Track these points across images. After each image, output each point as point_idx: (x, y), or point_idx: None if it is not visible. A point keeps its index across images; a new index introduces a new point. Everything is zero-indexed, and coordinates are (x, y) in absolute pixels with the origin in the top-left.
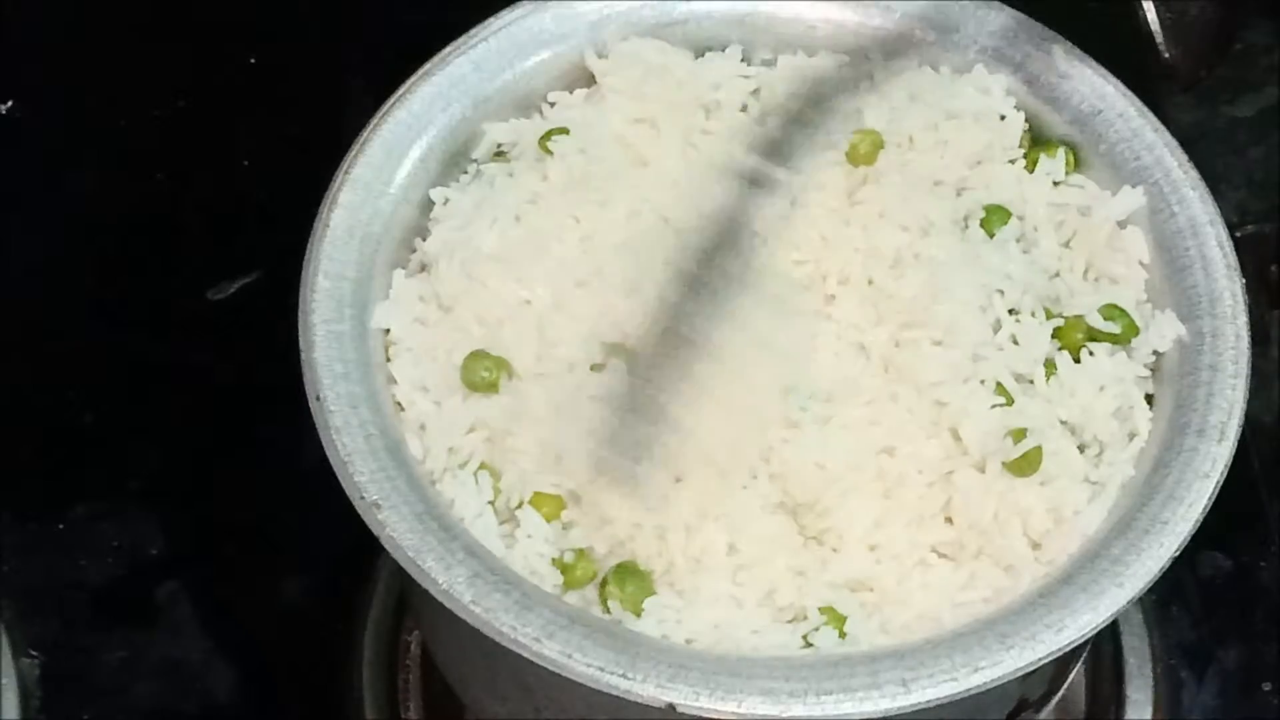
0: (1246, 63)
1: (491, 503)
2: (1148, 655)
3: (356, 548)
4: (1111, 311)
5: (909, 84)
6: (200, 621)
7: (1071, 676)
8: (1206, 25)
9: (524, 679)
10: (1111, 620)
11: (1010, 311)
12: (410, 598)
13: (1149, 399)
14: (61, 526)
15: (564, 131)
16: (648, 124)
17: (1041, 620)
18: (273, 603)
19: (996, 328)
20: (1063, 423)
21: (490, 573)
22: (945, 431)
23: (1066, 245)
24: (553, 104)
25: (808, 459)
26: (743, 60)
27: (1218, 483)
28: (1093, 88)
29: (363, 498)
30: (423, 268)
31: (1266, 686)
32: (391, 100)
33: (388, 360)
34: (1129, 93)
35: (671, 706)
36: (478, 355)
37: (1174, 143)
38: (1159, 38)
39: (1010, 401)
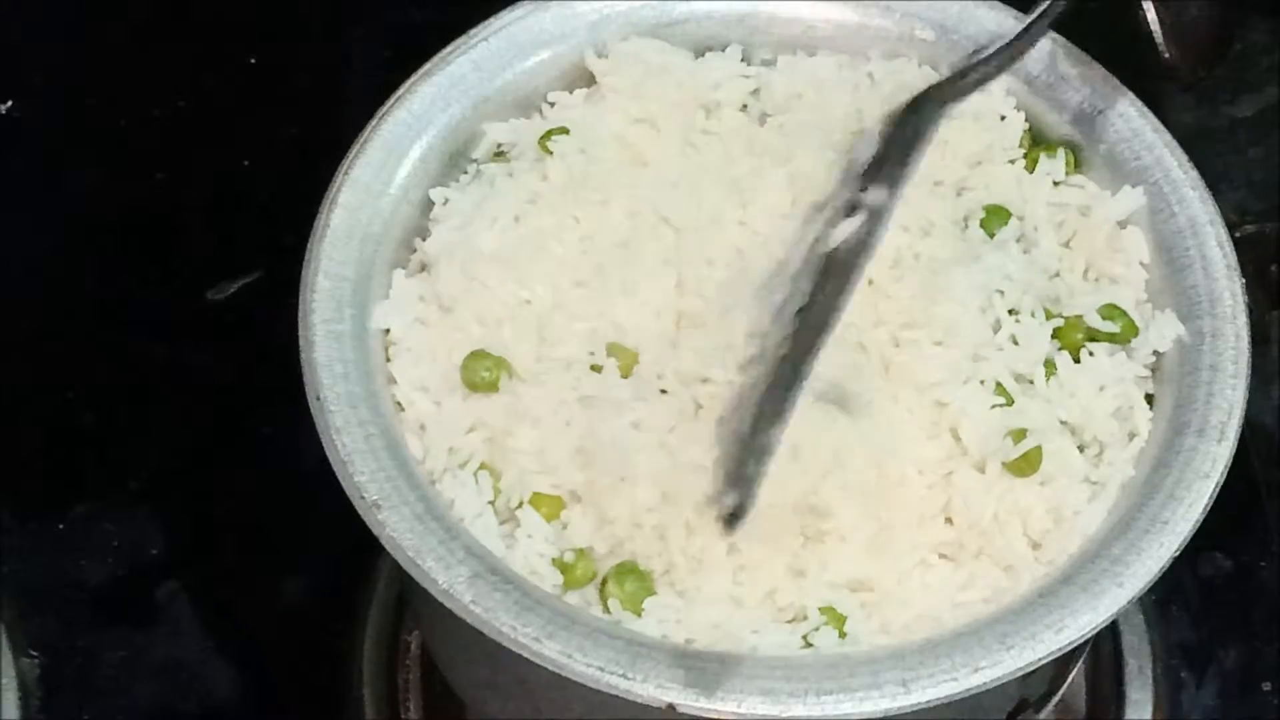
0: (1246, 63)
1: (491, 503)
2: (1148, 655)
3: (356, 548)
4: (1111, 311)
5: (909, 84)
6: (200, 621)
7: (1071, 676)
8: (1206, 25)
9: (524, 679)
10: (1111, 620)
11: (1010, 312)
12: (410, 598)
13: (1149, 399)
14: (61, 526)
15: (564, 131)
16: (648, 124)
17: (1041, 620)
18: (273, 603)
19: (996, 328)
20: (1063, 423)
21: (490, 573)
22: (945, 432)
23: (1066, 245)
24: (553, 104)
25: (808, 459)
26: (743, 60)
27: (1218, 483)
28: (1093, 88)
29: (363, 498)
30: (423, 268)
31: (1266, 686)
32: (391, 100)
33: (388, 360)
34: (1129, 93)
35: (671, 706)
36: (478, 355)
37: (1174, 143)
38: (1159, 38)
39: (1010, 402)
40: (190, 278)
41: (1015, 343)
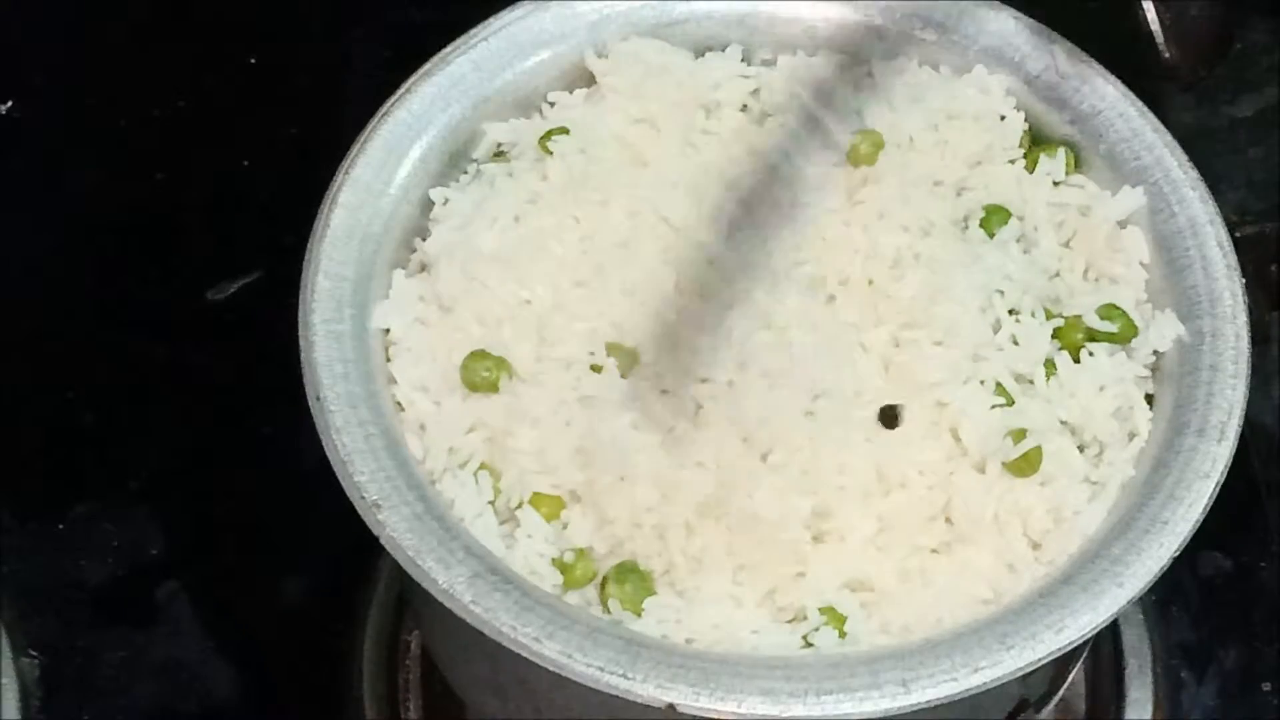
0: (1246, 63)
1: (491, 503)
2: (1148, 655)
3: (356, 548)
4: (1109, 311)
5: (909, 84)
6: (200, 621)
7: (1071, 676)
8: (1206, 25)
9: (524, 679)
10: (1111, 620)
11: (1010, 312)
12: (410, 598)
13: (1149, 399)
14: (61, 526)
15: (564, 131)
16: (648, 124)
17: (1041, 620)
18: (273, 603)
19: (996, 328)
20: (1063, 423)
21: (490, 573)
22: (945, 432)
23: (1066, 245)
24: (553, 104)
25: (808, 460)
26: (743, 60)
27: (1218, 483)
28: (1093, 88)
29: (363, 498)
30: (423, 268)
31: (1266, 686)
32: (391, 100)
33: (388, 360)
34: (1129, 93)
35: (671, 706)
36: (478, 355)
37: (1174, 143)
38: (1159, 38)
39: (1010, 402)
40: (190, 278)
41: (1015, 343)
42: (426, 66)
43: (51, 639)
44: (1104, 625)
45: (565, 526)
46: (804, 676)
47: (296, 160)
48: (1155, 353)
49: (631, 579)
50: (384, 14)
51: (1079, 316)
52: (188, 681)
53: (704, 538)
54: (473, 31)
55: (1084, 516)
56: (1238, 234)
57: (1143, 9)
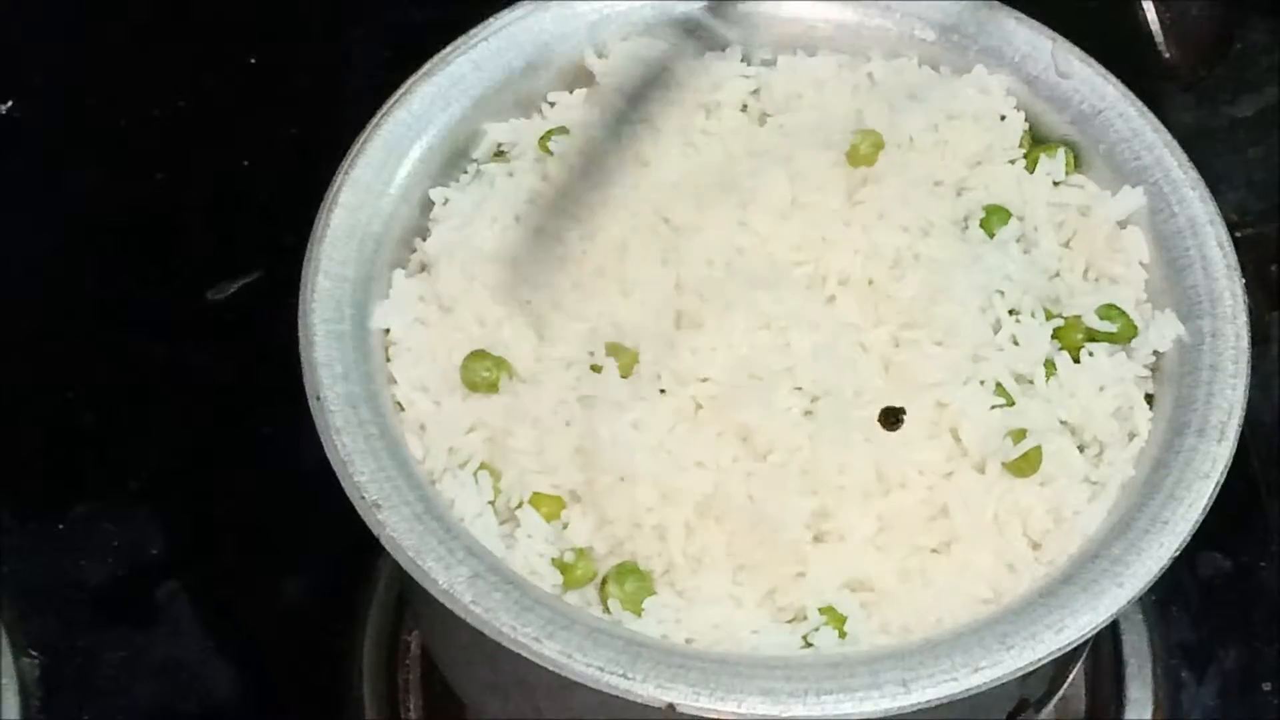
0: (1246, 63)
1: (491, 503)
2: (1148, 655)
3: (356, 548)
4: (1109, 311)
5: (909, 84)
6: (200, 621)
7: (1071, 676)
8: (1206, 25)
9: (524, 679)
10: (1111, 620)
11: (1010, 312)
12: (410, 598)
13: (1149, 399)
14: (61, 526)
15: (564, 131)
16: (648, 124)
17: (1041, 620)
18: (273, 603)
19: (996, 328)
20: (1063, 423)
21: (490, 573)
22: (945, 432)
23: (1066, 245)
24: (553, 104)
25: (808, 460)
26: (743, 60)
27: (1218, 483)
28: (1093, 88)
29: (363, 498)
30: (423, 268)
31: (1266, 686)
32: (391, 100)
33: (388, 360)
34: (1129, 93)
35: (671, 706)
36: (478, 355)
37: (1174, 143)
38: (1159, 38)
39: (1010, 402)
40: (190, 278)
41: (1015, 343)
42: (426, 66)
43: (51, 639)
44: (1104, 625)
45: (565, 526)
46: (804, 676)
47: (296, 160)
48: (1155, 353)
49: (631, 579)
50: (384, 14)
51: (1079, 316)
52: (188, 681)
53: (704, 538)
54: (473, 31)
55: (1084, 516)
56: (1238, 234)
57: (1143, 9)
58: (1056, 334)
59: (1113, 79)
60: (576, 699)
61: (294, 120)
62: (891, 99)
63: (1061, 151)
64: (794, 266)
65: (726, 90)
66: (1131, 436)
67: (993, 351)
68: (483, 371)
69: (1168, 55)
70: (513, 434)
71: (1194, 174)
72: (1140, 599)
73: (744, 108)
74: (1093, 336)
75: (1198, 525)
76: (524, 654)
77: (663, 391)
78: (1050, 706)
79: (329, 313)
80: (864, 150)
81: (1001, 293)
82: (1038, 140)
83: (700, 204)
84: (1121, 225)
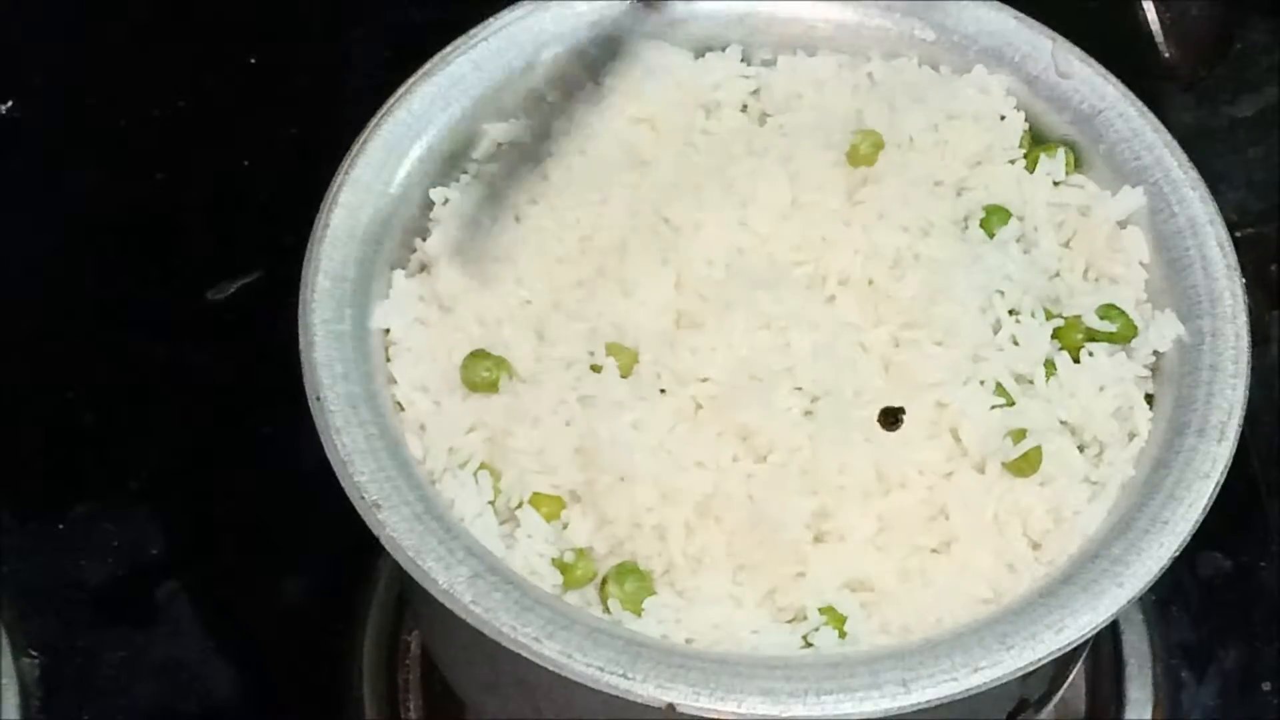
0: (1246, 63)
1: (491, 503)
2: (1148, 655)
3: (356, 548)
4: (1109, 311)
5: (909, 84)
6: (200, 621)
7: (1071, 676)
8: (1206, 25)
9: (524, 679)
10: (1111, 620)
11: (1010, 312)
12: (410, 598)
13: (1149, 399)
14: (61, 526)
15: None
16: (648, 124)
17: (1041, 620)
18: (273, 603)
19: (996, 328)
20: (1063, 423)
21: (490, 573)
22: (945, 432)
23: (1066, 245)
24: (552, 104)
25: (808, 460)
26: (743, 60)
27: (1218, 483)
28: (1093, 88)
29: (363, 498)
30: (423, 268)
31: (1266, 686)
32: (391, 100)
33: (388, 360)
34: (1129, 93)
35: (671, 706)
36: (478, 355)
37: (1174, 143)
38: (1159, 38)
39: (1010, 402)
40: (190, 278)
41: (1015, 343)
42: (426, 66)
43: (51, 639)
44: (1104, 625)
45: (565, 526)
46: (804, 676)
47: (296, 160)
48: (1155, 353)
49: (631, 579)
50: (384, 14)
51: (1079, 316)
52: (188, 681)
53: (704, 538)
54: (473, 31)
55: (1084, 516)
56: (1238, 234)
57: (1143, 9)
58: (1056, 334)
59: (1113, 79)
60: (576, 699)
61: (294, 120)
62: (891, 99)
63: (1061, 151)
64: (794, 266)
65: (726, 90)
66: (1131, 436)
67: (993, 351)
68: (483, 371)
69: (1168, 55)
70: (513, 434)
71: (1194, 174)
72: (1140, 599)
73: (744, 108)
74: (1093, 336)
75: (1198, 525)
76: (524, 654)
77: (663, 391)
78: (1050, 706)
79: (329, 313)
80: (864, 150)
81: (1001, 293)
82: (1038, 140)
83: (700, 204)
84: (1121, 225)
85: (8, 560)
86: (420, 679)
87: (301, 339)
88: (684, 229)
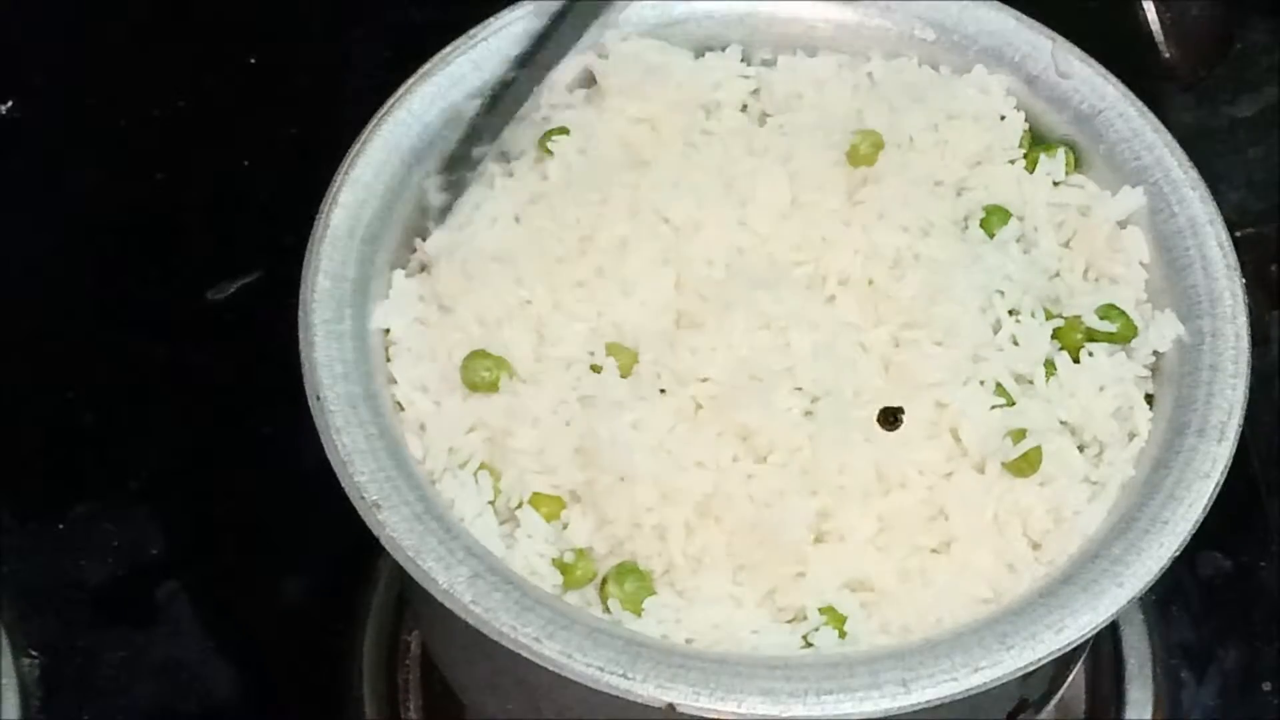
0: (1246, 63)
1: (491, 503)
2: (1148, 655)
3: (356, 548)
4: (1108, 311)
5: (909, 84)
6: (200, 621)
7: (1071, 676)
8: (1206, 25)
9: (524, 679)
10: (1111, 620)
11: (1010, 312)
12: (410, 598)
13: (1149, 399)
14: (61, 526)
15: (564, 131)
16: (648, 124)
17: (1041, 620)
18: (273, 603)
19: (996, 328)
20: (1063, 423)
21: (490, 573)
22: (945, 432)
23: (1066, 245)
24: (553, 104)
25: (808, 460)
26: (743, 60)
27: (1218, 483)
28: (1093, 88)
29: (363, 498)
30: (423, 268)
31: (1266, 686)
32: (391, 100)
33: (388, 360)
34: (1129, 93)
35: (671, 706)
36: (478, 355)
37: (1174, 143)
38: (1159, 38)
39: (1010, 402)
40: (190, 278)
41: (1015, 343)
42: (426, 66)
43: (51, 639)
44: (1104, 625)
45: (565, 526)
46: (804, 676)
47: (296, 160)
48: (1155, 353)
49: (631, 579)
50: (384, 14)
51: (1079, 316)
52: (188, 681)
53: (704, 538)
54: (473, 31)
55: (1084, 516)
56: (1238, 234)
57: (1143, 9)
58: (1056, 334)
59: (1113, 79)
60: (576, 699)
61: (294, 120)
62: (891, 99)
63: (1061, 151)
64: (794, 266)
65: (726, 90)
66: (1131, 436)
67: (993, 351)
68: (483, 371)
69: (1168, 55)
70: (513, 434)
71: (1194, 174)
72: (1140, 599)
73: (744, 108)
74: (1093, 336)
75: (1198, 525)
76: (524, 654)
77: (663, 391)
78: (1050, 706)
79: (329, 313)
80: (864, 150)
81: (1001, 293)
82: (1038, 140)
83: (700, 204)
84: (1121, 225)
85: (8, 560)
86: (420, 679)
87: (301, 339)
88: (684, 229)
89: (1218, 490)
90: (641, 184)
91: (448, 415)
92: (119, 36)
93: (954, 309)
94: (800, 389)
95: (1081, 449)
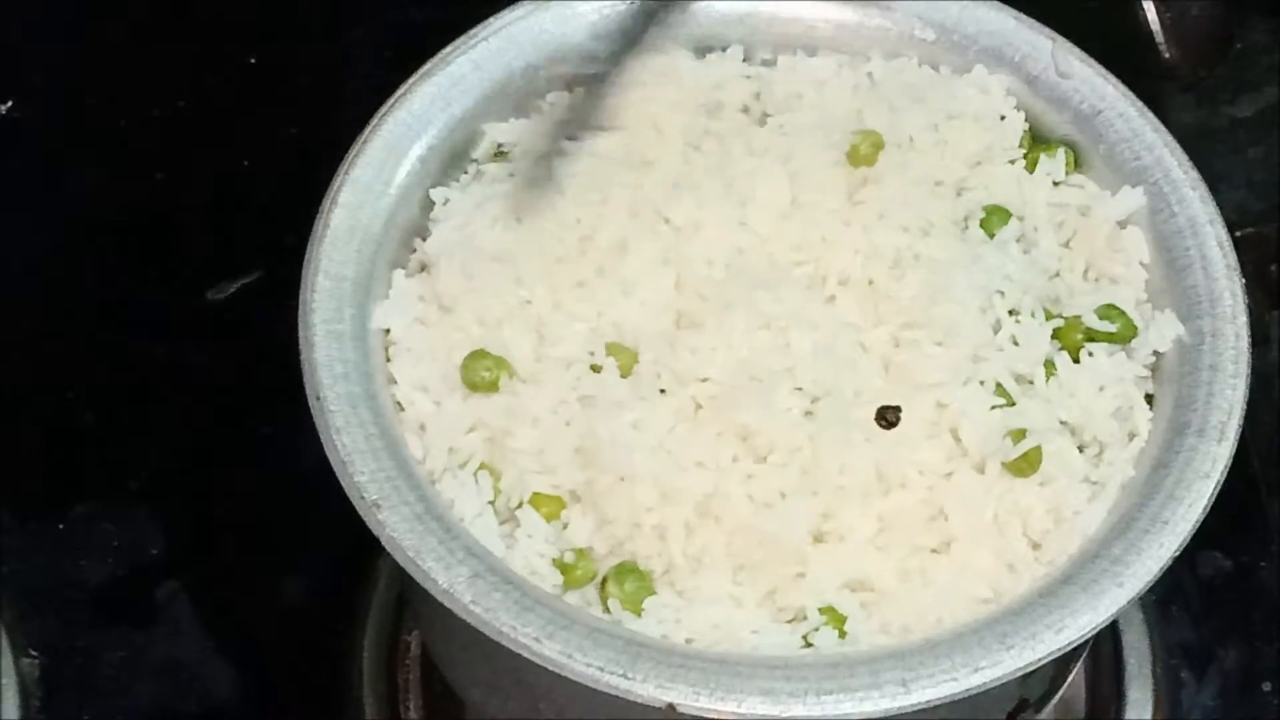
0: (1246, 63)
1: (491, 503)
2: (1148, 655)
3: (356, 548)
4: (1108, 311)
5: (909, 84)
6: (200, 621)
7: (1071, 676)
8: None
9: (524, 679)
10: (1111, 620)
11: (1010, 312)
12: (410, 598)
13: (1149, 399)
14: (61, 526)
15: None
16: (648, 124)
17: (1041, 620)
18: (273, 603)
19: (996, 328)
20: (1063, 423)
21: (490, 573)
22: (945, 432)
23: (1066, 245)
24: (553, 104)
25: (808, 460)
26: (743, 60)
27: (1218, 483)
28: (1093, 88)
29: (363, 498)
30: (423, 268)
31: (1266, 686)
32: (391, 100)
33: (388, 360)
34: (1129, 93)
35: (671, 706)
36: (478, 355)
37: (1174, 143)
38: (1159, 38)
39: (1010, 402)
40: (190, 278)
41: (1015, 343)
42: (426, 66)
43: (51, 639)
44: (1104, 625)
45: (565, 526)
46: (804, 676)
47: (296, 160)
48: (1155, 353)
49: (631, 579)
50: (384, 14)
51: (1079, 317)
52: (188, 681)
53: (704, 538)
54: (473, 31)
55: (1084, 516)
56: (1238, 234)
57: (1143, 9)
58: (1056, 334)
59: (1113, 79)
60: (576, 699)
61: (294, 120)
62: (891, 99)
63: (1061, 151)
64: (794, 266)
65: (727, 90)
66: (1131, 436)
67: (993, 352)
68: (483, 371)
69: (1168, 55)
70: (513, 434)
71: (1194, 174)
72: (1140, 599)
73: (744, 108)
74: (1092, 336)
75: (1198, 525)
76: (524, 654)
77: (663, 391)
78: (1050, 706)
79: (329, 313)
80: (864, 150)
81: (1001, 293)
82: (1038, 140)
83: (700, 204)
84: (1121, 225)
85: (8, 560)
86: (420, 679)
87: (301, 339)
88: (684, 229)
89: (1218, 490)
90: (641, 184)
91: (448, 415)
92: (119, 36)
93: (954, 309)
94: (800, 389)
95: (1081, 449)
